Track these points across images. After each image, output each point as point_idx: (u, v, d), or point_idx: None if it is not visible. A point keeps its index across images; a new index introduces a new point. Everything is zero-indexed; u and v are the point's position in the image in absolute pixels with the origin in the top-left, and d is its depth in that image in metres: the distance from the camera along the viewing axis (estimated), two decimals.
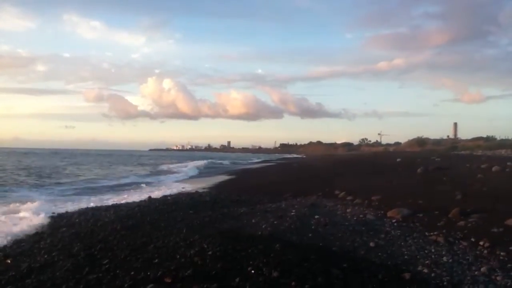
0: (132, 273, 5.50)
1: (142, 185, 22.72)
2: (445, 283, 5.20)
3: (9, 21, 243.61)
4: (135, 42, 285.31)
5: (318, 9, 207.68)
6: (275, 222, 8.44)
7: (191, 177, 30.50)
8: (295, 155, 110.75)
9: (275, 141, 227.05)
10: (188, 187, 20.29)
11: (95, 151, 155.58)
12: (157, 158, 78.43)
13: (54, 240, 8.17)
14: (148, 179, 28.12)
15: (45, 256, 6.87)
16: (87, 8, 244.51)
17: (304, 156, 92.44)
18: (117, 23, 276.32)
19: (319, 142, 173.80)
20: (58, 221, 10.77)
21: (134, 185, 22.85)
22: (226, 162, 61.11)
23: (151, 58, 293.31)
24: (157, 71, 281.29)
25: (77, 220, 10.60)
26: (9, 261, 6.79)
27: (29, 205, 13.20)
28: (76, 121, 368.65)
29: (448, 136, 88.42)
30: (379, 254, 6.37)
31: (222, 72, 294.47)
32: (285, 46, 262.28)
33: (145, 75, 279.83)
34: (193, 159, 66.61)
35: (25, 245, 7.99)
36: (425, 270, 5.62)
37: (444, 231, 7.59)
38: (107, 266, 5.95)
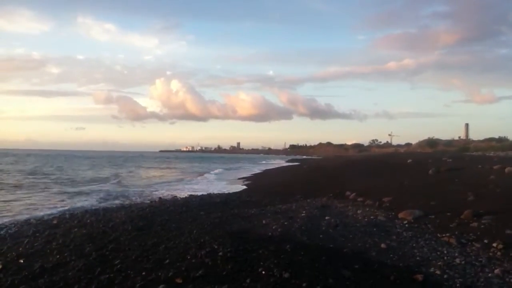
0: (144, 273, 5.53)
1: None
2: (458, 285, 5.13)
3: (24, 24, 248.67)
4: (147, 44, 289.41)
5: (327, 10, 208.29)
6: (285, 223, 8.42)
7: None
8: (309, 156, 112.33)
9: (285, 142, 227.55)
10: None
11: (121, 153, 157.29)
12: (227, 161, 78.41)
13: (66, 240, 8.23)
14: None
15: (57, 256, 6.92)
16: (101, 11, 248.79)
17: (319, 157, 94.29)
18: (130, 26, 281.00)
19: (329, 143, 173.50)
20: (69, 222, 10.86)
21: None
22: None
23: (163, 59, 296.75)
24: (168, 72, 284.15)
25: (88, 221, 10.68)
26: (22, 261, 6.86)
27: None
28: (87, 123, 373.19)
29: (459, 137, 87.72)
30: (391, 255, 6.32)
31: (233, 73, 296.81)
32: (294, 47, 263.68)
33: (157, 77, 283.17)
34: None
35: (38, 245, 8.06)
36: (438, 272, 5.56)
37: (456, 232, 7.51)
38: (118, 266, 5.98)
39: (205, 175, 35.60)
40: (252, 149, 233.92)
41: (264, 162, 76.13)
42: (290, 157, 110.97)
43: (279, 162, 70.59)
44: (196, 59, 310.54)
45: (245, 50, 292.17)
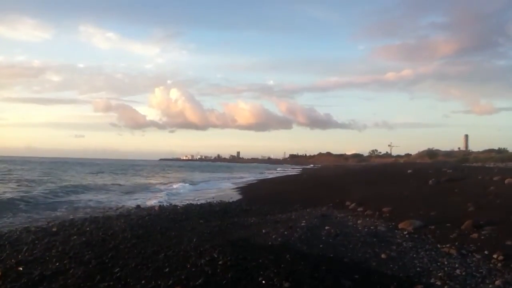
0: (143, 281, 5.51)
1: None
2: None
3: (26, 32, 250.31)
4: (149, 53, 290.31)
5: (327, 20, 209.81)
6: (285, 233, 8.41)
7: None
8: (309, 166, 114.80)
9: (285, 152, 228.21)
10: None
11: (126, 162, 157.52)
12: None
13: (66, 247, 8.21)
14: None
15: (57, 264, 6.90)
16: (103, 19, 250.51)
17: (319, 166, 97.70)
18: (131, 34, 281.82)
19: (328, 153, 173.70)
20: (69, 229, 10.84)
21: None
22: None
23: (164, 68, 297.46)
24: (169, 81, 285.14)
25: (88, 229, 10.65)
26: (21, 269, 6.83)
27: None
28: (86, 131, 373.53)
29: (459, 147, 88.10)
30: (391, 265, 6.31)
31: (233, 82, 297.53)
32: (294, 57, 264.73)
33: (158, 85, 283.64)
34: None
35: (37, 252, 8.05)
36: (438, 283, 5.55)
37: (456, 243, 7.50)
38: (118, 274, 5.96)
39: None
40: (252, 158, 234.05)
41: (277, 170, 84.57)
42: (293, 167, 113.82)
43: (289, 170, 76.65)
44: (197, 68, 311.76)
45: (246, 59, 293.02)
